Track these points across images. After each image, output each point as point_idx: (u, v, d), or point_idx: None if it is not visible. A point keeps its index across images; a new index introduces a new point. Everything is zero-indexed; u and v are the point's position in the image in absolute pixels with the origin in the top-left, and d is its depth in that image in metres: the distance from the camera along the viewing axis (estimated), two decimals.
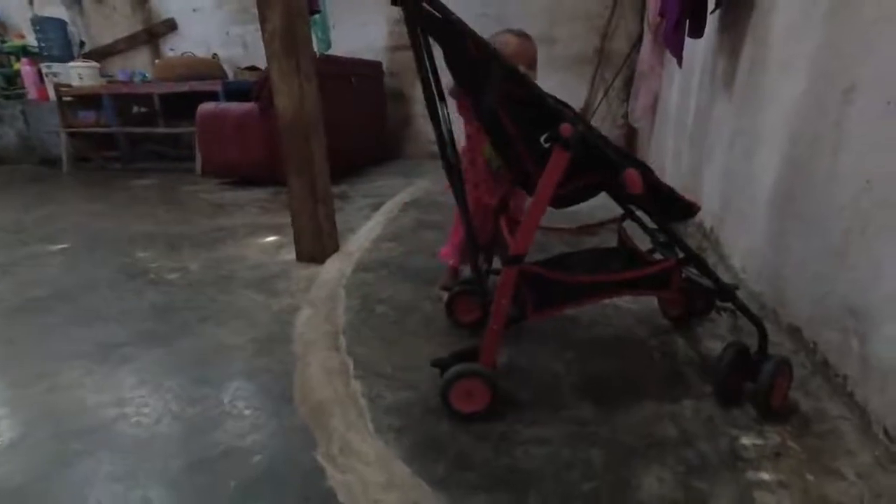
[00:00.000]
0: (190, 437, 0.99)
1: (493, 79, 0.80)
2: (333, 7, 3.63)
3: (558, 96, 0.86)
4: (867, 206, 0.94)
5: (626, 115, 3.80)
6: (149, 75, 4.29)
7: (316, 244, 1.87)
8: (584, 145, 0.80)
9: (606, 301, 1.40)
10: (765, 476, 0.85)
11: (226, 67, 4.32)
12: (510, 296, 0.90)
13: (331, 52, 3.47)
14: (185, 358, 1.28)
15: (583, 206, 1.04)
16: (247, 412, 1.06)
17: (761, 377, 0.96)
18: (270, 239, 2.22)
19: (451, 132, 1.05)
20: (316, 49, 3.08)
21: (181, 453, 0.94)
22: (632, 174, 0.82)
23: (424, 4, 0.81)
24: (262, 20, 1.58)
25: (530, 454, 0.91)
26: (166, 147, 4.56)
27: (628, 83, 3.75)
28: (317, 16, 3.01)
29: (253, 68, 4.14)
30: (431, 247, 2.02)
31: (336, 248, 1.97)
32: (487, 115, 0.85)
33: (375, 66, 4.05)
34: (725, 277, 1.51)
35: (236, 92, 3.58)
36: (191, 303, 1.59)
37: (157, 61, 4.24)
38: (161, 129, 4.21)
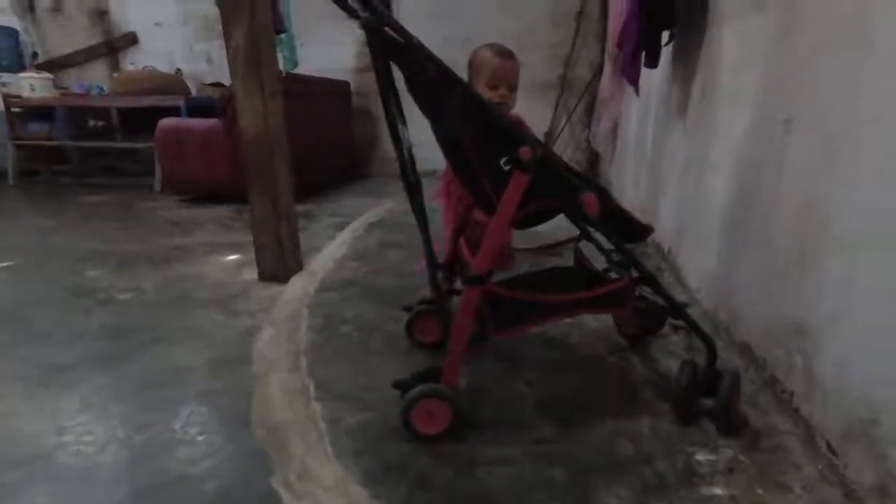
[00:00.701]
0: (137, 465, 0.94)
1: (454, 103, 0.82)
2: (301, 27, 3.64)
3: (528, 119, 0.89)
4: (807, 230, 1.00)
5: (588, 140, 3.93)
6: (106, 88, 4.17)
7: (279, 263, 1.84)
8: (543, 168, 0.82)
9: (568, 320, 1.42)
10: (718, 491, 0.87)
11: (189, 83, 4.24)
12: (472, 316, 0.91)
13: (298, 71, 3.47)
14: (135, 381, 1.22)
15: (545, 226, 1.07)
16: (200, 437, 1.02)
17: (720, 392, 0.99)
18: (231, 258, 2.17)
19: (411, 152, 1.06)
20: (282, 68, 3.07)
21: (126, 482, 0.90)
22: (589, 197, 0.85)
23: (387, 29, 0.83)
24: (227, 37, 1.57)
25: (493, 475, 0.91)
26: (125, 162, 4.41)
27: (590, 109, 3.89)
28: (283, 35, 3.01)
29: (217, 84, 4.08)
30: (397, 266, 2.01)
31: (300, 268, 1.94)
32: (447, 138, 0.86)
33: (343, 85, 4.07)
34: (682, 297, 1.56)
35: (199, 108, 3.52)
36: (144, 323, 1.53)
37: (115, 74, 4.13)
38: (119, 144, 4.08)
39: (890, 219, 0.78)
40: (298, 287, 1.79)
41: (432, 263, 0.99)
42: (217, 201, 3.28)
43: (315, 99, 3.56)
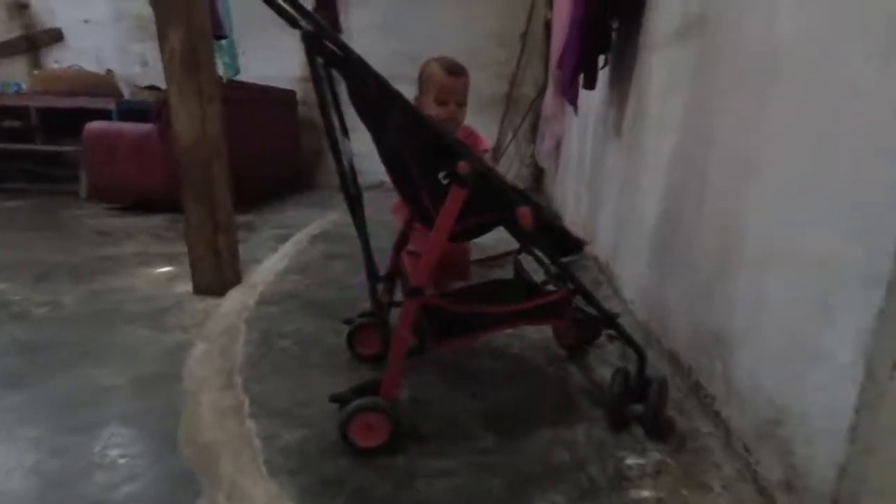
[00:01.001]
0: (48, 492, 0.87)
1: (394, 118, 0.83)
2: (244, 34, 3.56)
3: None
4: (725, 248, 1.08)
5: (533, 156, 4.06)
6: (25, 86, 3.88)
7: (215, 276, 1.76)
8: (481, 183, 0.85)
9: (509, 331, 1.45)
10: (646, 493, 0.91)
11: (122, 85, 4.03)
12: (411, 328, 0.91)
13: (241, 78, 3.38)
14: (50, 402, 1.13)
15: (489, 238, 1.09)
16: (122, 460, 0.95)
17: (649, 399, 1.04)
18: (164, 269, 2.06)
19: (352, 164, 1.06)
20: (223, 74, 2.99)
21: None
22: (524, 212, 0.88)
23: (327, 42, 0.83)
24: (162, 39, 1.51)
25: (433, 487, 0.91)
26: (45, 167, 4.10)
27: (535, 126, 4.02)
28: (223, 41, 2.93)
29: (153, 88, 3.90)
30: (340, 279, 1.99)
31: (238, 281, 1.87)
32: (388, 152, 0.87)
33: (288, 94, 4.00)
34: (618, 308, 1.63)
35: (132, 111, 3.34)
36: (64, 339, 1.42)
37: (36, 72, 3.86)
38: (39, 147, 3.79)
39: (791, 239, 0.86)
40: (236, 300, 1.73)
41: (373, 276, 0.98)
42: (150, 210, 3.11)
43: (258, 107, 3.48)
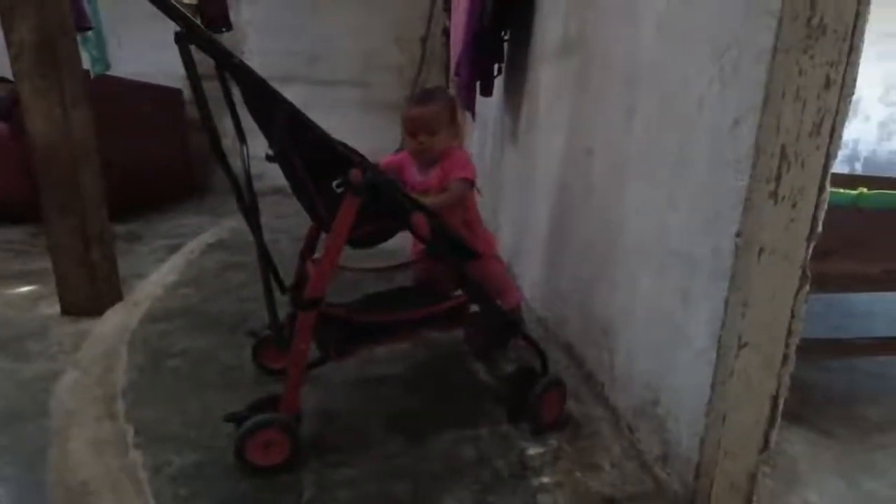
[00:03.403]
0: None
1: (279, 121, 0.80)
2: (120, 25, 3.24)
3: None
4: (606, 244, 1.18)
5: None
6: None
7: (88, 294, 1.58)
8: (375, 191, 0.85)
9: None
10: (545, 479, 0.97)
11: None
12: (308, 340, 0.89)
13: (117, 74, 3.07)
14: None
15: (398, 242, 1.08)
16: None
17: (530, 397, 1.09)
18: (24, 289, 1.81)
19: (248, 170, 1.01)
20: (90, 69, 2.70)
21: None
22: (419, 219, 0.89)
23: (202, 47, 0.78)
24: (7, 30, 1.32)
25: (337, 498, 0.89)
26: None
27: None
28: (90, 33, 2.64)
29: (5, 81, 3.40)
30: (238, 290, 1.88)
31: (118, 298, 1.70)
32: (279, 157, 0.84)
33: (174, 93, 3.70)
34: None
35: None
36: None
37: None
38: None
39: (659, 236, 0.96)
40: (115, 320, 1.56)
41: (268, 288, 0.94)
42: (6, 221, 2.72)
43: (137, 106, 3.19)
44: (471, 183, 1.20)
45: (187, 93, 3.85)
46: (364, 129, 3.75)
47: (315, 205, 0.86)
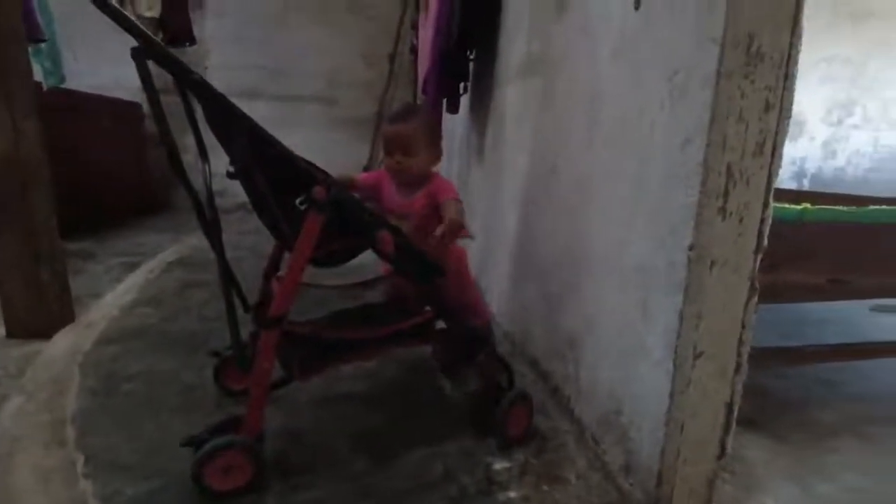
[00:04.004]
0: None
1: (239, 138, 0.80)
2: (76, 36, 3.15)
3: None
4: (571, 259, 1.21)
5: None
6: None
7: (37, 315, 1.51)
8: (339, 208, 0.85)
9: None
10: (512, 494, 0.97)
11: None
12: (272, 359, 0.87)
13: (73, 87, 2.98)
14: None
15: (369, 258, 1.08)
16: None
17: (496, 412, 1.09)
18: None
19: (210, 187, 0.99)
20: (42, 81, 2.61)
21: None
22: (384, 236, 0.90)
23: (160, 62, 0.77)
24: None
25: None
26: None
27: None
28: (43, 45, 2.56)
29: None
30: (200, 308, 1.82)
31: (70, 319, 1.62)
32: (240, 174, 0.83)
33: (132, 107, 3.60)
34: None
35: None
36: None
37: None
38: None
39: (621, 251, 0.99)
40: (66, 342, 1.49)
41: (230, 307, 0.92)
42: None
43: (92, 120, 3.10)
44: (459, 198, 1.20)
45: (147, 107, 3.76)
46: (330, 146, 3.74)
47: (278, 222, 0.85)
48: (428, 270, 1.01)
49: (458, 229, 1.12)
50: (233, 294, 0.95)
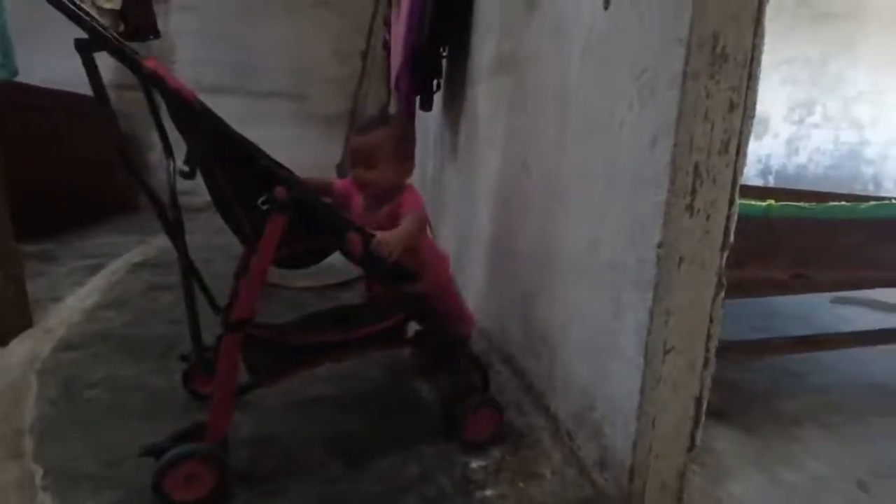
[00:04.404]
0: None
1: (199, 133, 0.77)
2: (31, 27, 3.01)
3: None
4: (544, 256, 1.21)
5: None
6: None
7: None
8: (301, 208, 0.83)
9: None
10: (489, 492, 0.97)
11: None
12: (235, 362, 0.84)
13: (27, 81, 2.85)
14: None
15: (339, 260, 1.05)
16: None
17: (457, 411, 1.07)
18: None
19: (173, 186, 0.96)
20: None
21: None
22: (353, 238, 0.88)
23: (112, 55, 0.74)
24: None
25: None
26: None
27: None
28: None
29: None
30: (168, 312, 1.77)
31: (27, 324, 1.55)
32: (202, 172, 0.81)
33: (91, 102, 3.47)
34: None
35: None
36: None
37: None
38: None
39: (593, 248, 1.00)
40: (23, 349, 1.43)
41: (192, 309, 0.89)
42: None
43: (48, 116, 2.97)
44: (421, 211, 1.14)
45: (112, 103, 3.63)
46: (300, 143, 3.67)
47: (240, 222, 0.83)
48: (399, 274, 1.00)
49: (385, 250, 0.99)
50: (195, 296, 0.92)
